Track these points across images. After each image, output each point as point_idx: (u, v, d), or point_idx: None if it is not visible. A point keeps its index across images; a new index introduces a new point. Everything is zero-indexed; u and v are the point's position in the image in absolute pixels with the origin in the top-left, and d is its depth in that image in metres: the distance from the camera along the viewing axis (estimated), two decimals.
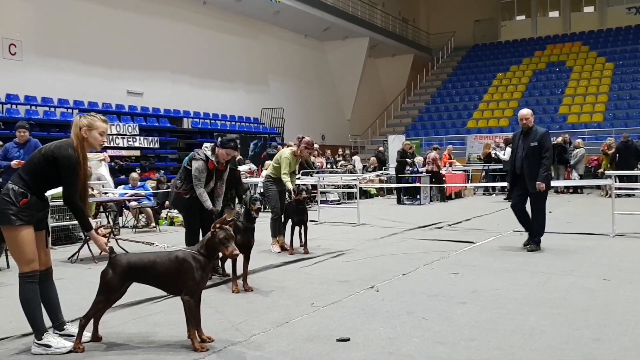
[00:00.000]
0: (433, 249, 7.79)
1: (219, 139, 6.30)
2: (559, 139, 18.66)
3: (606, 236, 8.59)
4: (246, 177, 14.57)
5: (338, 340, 3.98)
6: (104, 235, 4.02)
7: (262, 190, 10.11)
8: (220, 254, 4.64)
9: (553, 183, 16.76)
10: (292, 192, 7.75)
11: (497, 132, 24.51)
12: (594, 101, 27.54)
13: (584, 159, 18.72)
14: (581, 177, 18.27)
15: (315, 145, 19.77)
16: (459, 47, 37.40)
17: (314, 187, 13.13)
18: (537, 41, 34.98)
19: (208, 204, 6.06)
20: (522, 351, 3.74)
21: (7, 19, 15.70)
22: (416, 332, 4.17)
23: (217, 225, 3.98)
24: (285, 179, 7.84)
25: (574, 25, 34.94)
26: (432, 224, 10.65)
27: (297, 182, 11.89)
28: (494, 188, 17.96)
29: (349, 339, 3.99)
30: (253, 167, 16.70)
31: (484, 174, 19.14)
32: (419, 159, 16.89)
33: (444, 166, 18.25)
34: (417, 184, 15.54)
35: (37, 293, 3.88)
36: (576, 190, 17.96)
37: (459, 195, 17.56)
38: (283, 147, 10.89)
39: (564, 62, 31.70)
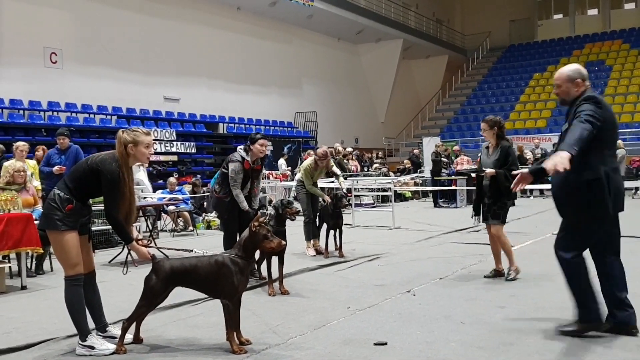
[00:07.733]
0: (470, 253, 7.70)
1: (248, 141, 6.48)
2: None
3: None
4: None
5: (375, 344, 3.98)
6: (144, 245, 4.07)
7: (295, 194, 10.19)
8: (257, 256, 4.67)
9: None
10: (326, 199, 7.84)
11: (534, 134, 24.03)
12: (635, 100, 26.76)
13: (624, 160, 18.25)
14: (622, 178, 17.79)
15: (349, 149, 19.83)
16: (494, 47, 36.83)
17: (348, 190, 13.12)
18: (575, 40, 34.20)
19: (244, 205, 6.18)
20: (563, 356, 3.66)
21: (48, 28, 16.17)
22: (454, 336, 4.13)
23: (256, 224, 4.00)
24: (312, 189, 8.07)
25: (614, 22, 33.99)
26: (469, 227, 10.50)
27: (331, 185, 11.95)
28: (531, 190, 17.61)
29: (386, 343, 3.98)
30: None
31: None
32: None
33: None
34: (453, 187, 15.38)
35: (82, 296, 3.99)
36: None
37: None
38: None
39: (603, 60, 30.88)
